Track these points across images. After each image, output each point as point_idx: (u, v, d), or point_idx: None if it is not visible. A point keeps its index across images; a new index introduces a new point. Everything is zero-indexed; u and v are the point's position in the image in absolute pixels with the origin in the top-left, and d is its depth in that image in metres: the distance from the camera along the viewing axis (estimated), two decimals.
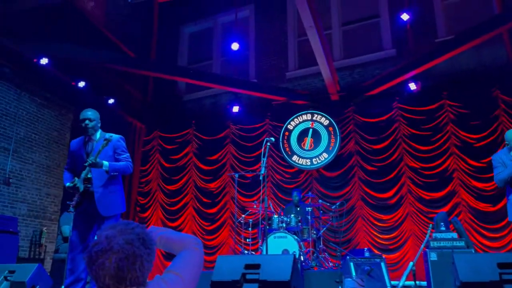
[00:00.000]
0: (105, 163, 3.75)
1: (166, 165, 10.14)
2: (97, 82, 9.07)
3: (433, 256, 4.75)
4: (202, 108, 10.63)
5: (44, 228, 8.26)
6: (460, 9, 8.46)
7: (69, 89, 8.63)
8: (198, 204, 9.55)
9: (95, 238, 1.36)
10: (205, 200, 9.53)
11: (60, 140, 9.22)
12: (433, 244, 4.86)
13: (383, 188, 7.94)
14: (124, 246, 1.29)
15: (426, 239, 4.95)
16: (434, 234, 4.93)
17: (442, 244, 4.78)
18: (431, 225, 5.05)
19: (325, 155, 8.58)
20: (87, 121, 3.87)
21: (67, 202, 5.95)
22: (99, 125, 3.98)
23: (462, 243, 4.76)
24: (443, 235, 4.87)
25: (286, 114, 9.15)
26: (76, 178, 3.78)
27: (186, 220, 9.57)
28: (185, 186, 9.81)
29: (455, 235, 4.94)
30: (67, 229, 6.47)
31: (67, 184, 3.80)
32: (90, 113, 3.92)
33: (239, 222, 7.72)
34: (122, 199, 3.94)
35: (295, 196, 7.44)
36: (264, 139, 5.65)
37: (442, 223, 5.05)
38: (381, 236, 7.66)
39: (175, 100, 10.83)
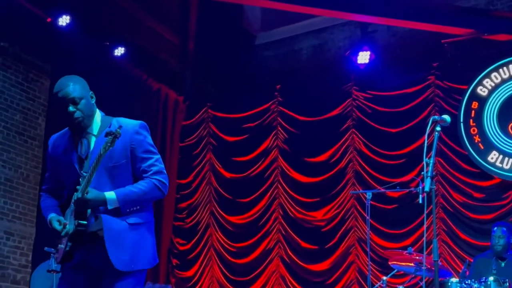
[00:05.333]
0: (110, 196, 3.81)
1: (227, 174, 10.36)
2: (94, 17, 9.22)
3: None
4: (295, 60, 10.46)
5: None
6: None
7: (43, 32, 8.91)
8: (290, 253, 9.60)
9: None
10: (305, 244, 9.50)
11: (29, 131, 9.47)
12: None
13: None
14: None
15: None
16: None
17: None
18: None
19: None
20: (71, 107, 3.86)
21: (46, 249, 6.05)
22: (93, 100, 3.98)
23: None
24: None
25: (473, 64, 9.04)
26: (68, 211, 3.90)
27: (268, 284, 9.68)
28: (265, 217, 9.91)
29: None
30: None
31: (50, 217, 3.92)
32: (72, 87, 3.90)
33: None
34: (153, 240, 4.04)
35: (498, 239, 7.29)
36: (427, 119, 5.53)
37: None
38: None
39: (241, 46, 10.88)
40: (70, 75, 3.98)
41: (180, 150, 10.71)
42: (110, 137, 3.63)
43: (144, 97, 10.17)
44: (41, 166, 9.34)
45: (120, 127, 3.71)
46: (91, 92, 3.95)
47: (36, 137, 9.53)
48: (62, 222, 3.82)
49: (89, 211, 3.83)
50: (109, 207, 3.79)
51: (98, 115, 4.01)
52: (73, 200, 3.84)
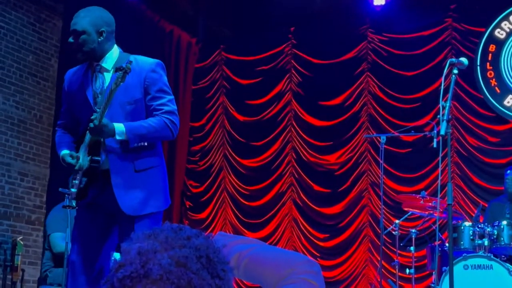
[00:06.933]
0: (119, 127, 3.84)
1: (240, 118, 10.48)
2: None
3: None
4: (310, 1, 10.34)
5: (19, 238, 8.75)
6: None
7: None
8: (303, 196, 9.78)
9: (116, 256, 1.35)
10: (317, 188, 9.69)
11: (41, 71, 9.49)
12: None
13: None
14: (172, 270, 1.34)
15: None
16: None
17: None
18: None
19: None
20: (70, 38, 3.99)
21: (60, 190, 6.27)
22: (104, 36, 3.98)
23: None
24: None
25: (491, 7, 9.01)
26: (82, 147, 3.96)
27: (281, 227, 9.82)
28: (278, 160, 10.02)
29: None
30: (60, 240, 6.83)
31: (63, 154, 4.00)
32: (80, 19, 3.96)
33: (390, 234, 7.80)
34: (164, 183, 4.12)
35: None
36: (443, 62, 5.58)
37: None
38: None
39: None
40: (91, 6, 4.04)
41: (193, 92, 10.77)
42: (120, 72, 3.68)
43: (156, 39, 10.14)
44: (54, 108, 9.46)
45: (130, 62, 3.71)
46: (104, 28, 3.96)
47: (48, 78, 9.60)
48: (75, 156, 3.90)
49: (105, 144, 3.91)
50: (117, 138, 3.82)
51: (115, 51, 4.04)
52: (86, 138, 3.90)
